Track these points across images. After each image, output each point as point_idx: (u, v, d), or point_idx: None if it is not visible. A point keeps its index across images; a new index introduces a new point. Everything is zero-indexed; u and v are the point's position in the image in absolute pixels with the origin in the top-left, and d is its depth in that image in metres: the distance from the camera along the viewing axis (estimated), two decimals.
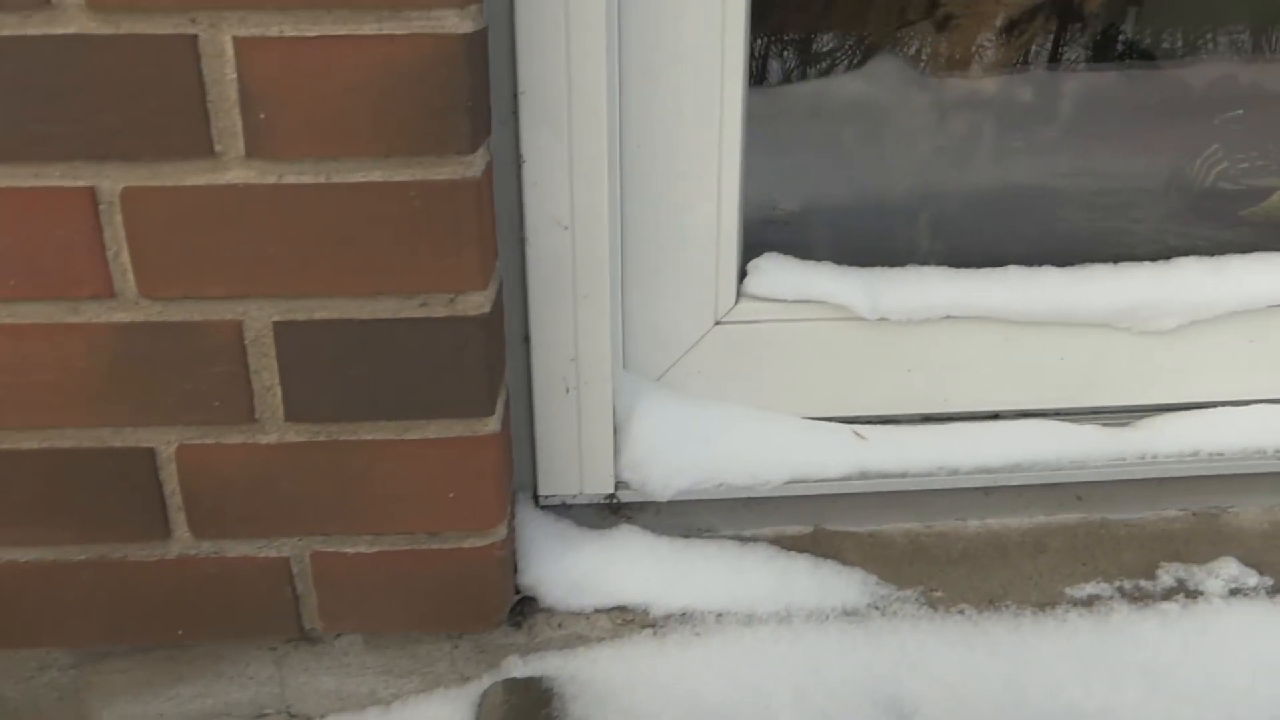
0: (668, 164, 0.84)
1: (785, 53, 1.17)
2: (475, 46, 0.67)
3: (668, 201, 0.85)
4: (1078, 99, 1.48)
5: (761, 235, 0.92)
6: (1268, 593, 0.88)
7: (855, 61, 1.19)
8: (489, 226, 0.72)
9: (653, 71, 0.80)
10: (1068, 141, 1.44)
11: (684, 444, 0.88)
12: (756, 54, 1.12)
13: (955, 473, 0.89)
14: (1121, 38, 1.63)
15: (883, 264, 0.92)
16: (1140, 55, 1.61)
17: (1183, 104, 1.85)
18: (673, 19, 0.78)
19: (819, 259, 0.92)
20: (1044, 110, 1.42)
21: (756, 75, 1.09)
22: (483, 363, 0.73)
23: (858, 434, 0.90)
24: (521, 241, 0.80)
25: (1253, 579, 0.89)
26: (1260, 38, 1.65)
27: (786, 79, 1.16)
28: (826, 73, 1.17)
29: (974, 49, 1.19)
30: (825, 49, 1.20)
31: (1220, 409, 0.94)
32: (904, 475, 0.89)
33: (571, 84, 0.75)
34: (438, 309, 0.71)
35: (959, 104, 1.28)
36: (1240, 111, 1.79)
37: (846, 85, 1.18)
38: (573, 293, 0.81)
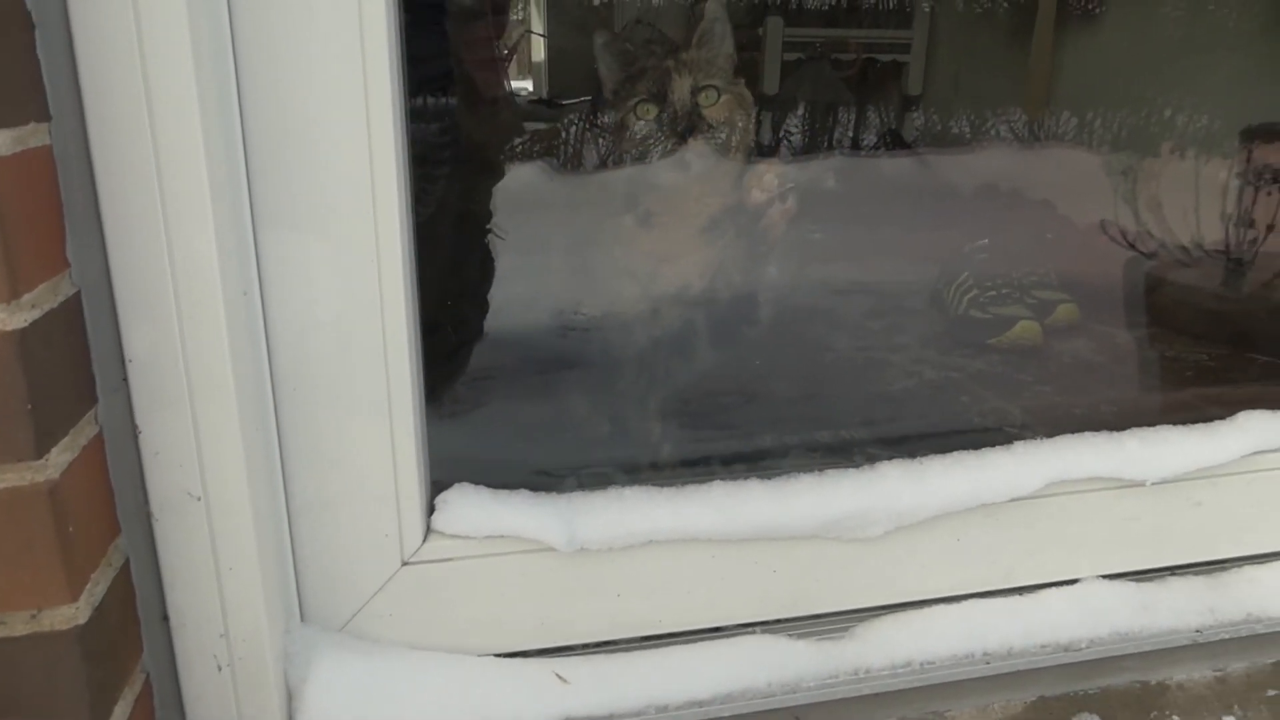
0: (331, 406, 0.76)
1: None
2: (37, 338, 0.58)
3: (336, 443, 0.78)
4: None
5: None
6: None
7: None
8: (81, 529, 0.63)
9: (308, 304, 0.73)
10: None
11: (369, 704, 0.80)
12: None
13: (665, 709, 0.84)
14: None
15: None
16: None
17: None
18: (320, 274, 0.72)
19: None
20: None
21: None
22: (81, 678, 0.63)
23: (560, 677, 0.83)
24: (148, 516, 0.70)
25: None
26: None
27: None
28: None
29: None
30: None
31: (933, 607, 0.93)
32: (610, 718, 0.83)
33: (186, 348, 0.67)
34: (17, 627, 0.61)
35: None
36: (986, 241, 1.89)
37: None
38: (214, 567, 0.72)
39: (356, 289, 0.73)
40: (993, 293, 1.78)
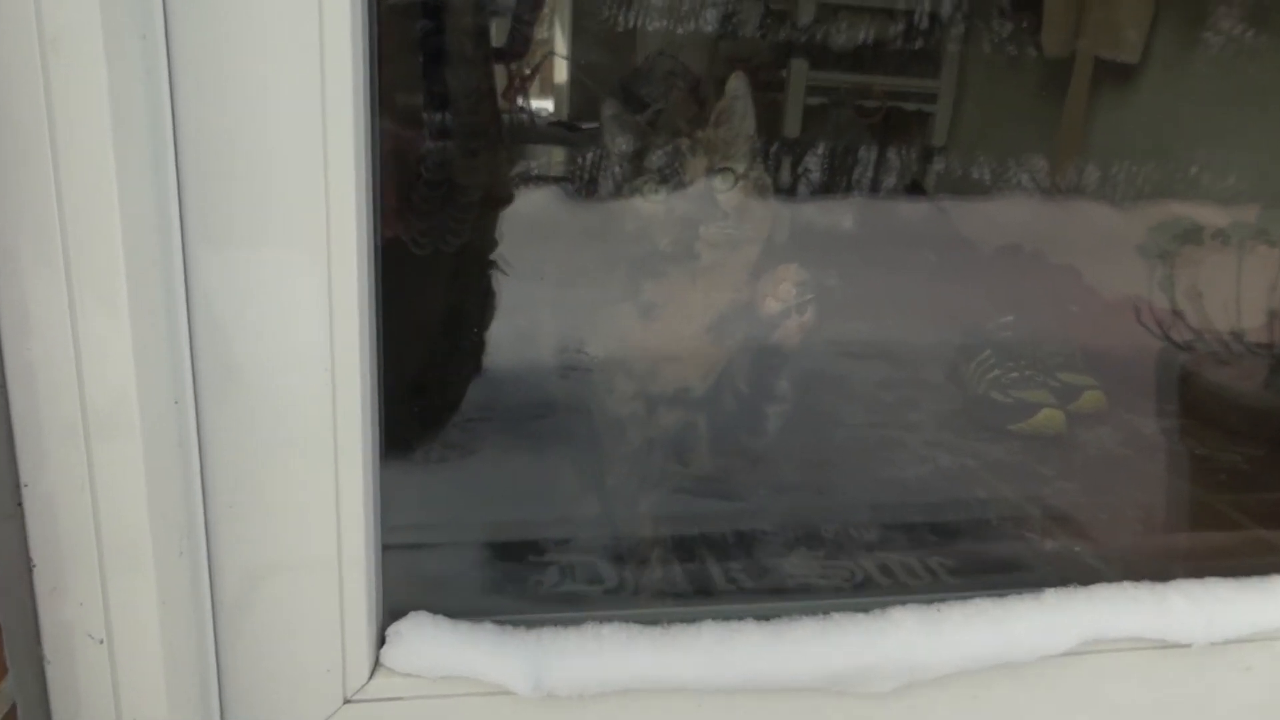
0: (269, 523, 0.66)
1: None
2: None
3: (274, 567, 0.68)
4: None
5: None
6: None
7: None
8: None
9: (247, 412, 0.63)
10: None
11: None
12: None
13: None
14: None
15: None
16: None
17: None
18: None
19: None
20: None
21: None
22: None
23: None
24: (40, 659, 0.60)
25: None
26: None
27: None
28: None
29: None
30: None
31: None
32: None
33: (94, 472, 0.57)
34: None
35: None
36: (1010, 318, 1.78)
37: None
38: (116, 717, 0.62)
39: (304, 398, 0.64)
40: (1015, 374, 1.67)
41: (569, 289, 0.99)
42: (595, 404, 0.90)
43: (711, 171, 0.83)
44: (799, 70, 2.58)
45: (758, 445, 0.90)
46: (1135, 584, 0.85)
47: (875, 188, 2.84)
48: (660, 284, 0.85)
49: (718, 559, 1.03)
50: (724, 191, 0.83)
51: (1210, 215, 1.87)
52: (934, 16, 2.64)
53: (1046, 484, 1.47)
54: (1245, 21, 1.88)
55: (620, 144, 0.85)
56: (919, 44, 2.69)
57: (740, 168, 0.84)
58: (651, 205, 0.82)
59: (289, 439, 0.63)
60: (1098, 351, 1.81)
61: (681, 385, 0.88)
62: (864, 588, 1.06)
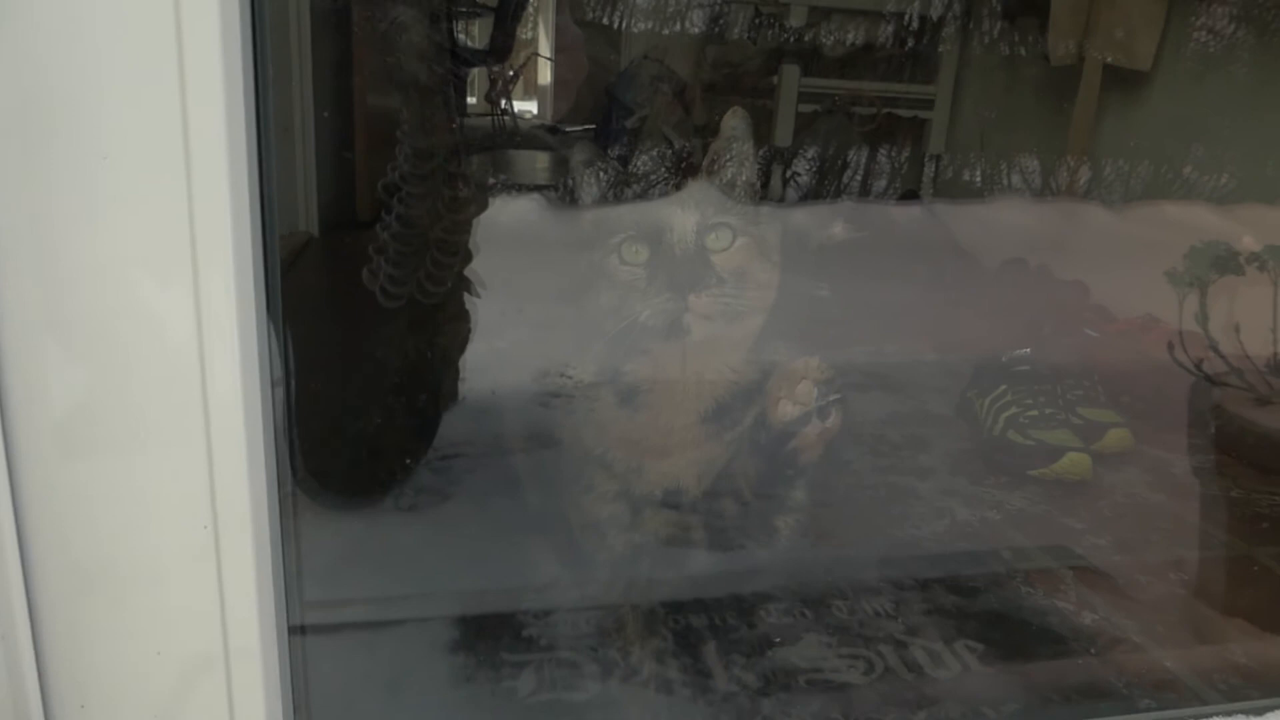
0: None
1: None
2: None
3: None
4: None
5: None
6: None
7: None
8: None
9: None
10: None
11: None
12: None
13: None
14: None
15: None
16: None
17: None
18: None
19: None
20: None
21: None
22: None
23: None
24: None
25: None
26: None
27: None
28: None
29: None
30: None
31: None
32: None
33: None
34: None
35: None
36: (1027, 351, 1.64)
37: None
38: None
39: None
40: (1034, 413, 1.54)
41: (532, 366, 0.85)
42: (571, 501, 0.76)
43: (704, 227, 0.69)
44: (790, 76, 2.44)
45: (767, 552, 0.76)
46: None
47: (867, 194, 2.72)
48: (644, 367, 0.70)
49: (721, 650, 0.90)
50: (719, 252, 0.69)
51: (1234, 228, 1.75)
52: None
53: (1077, 540, 1.34)
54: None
55: (594, 194, 0.70)
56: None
57: (738, 221, 0.69)
58: (632, 270, 0.68)
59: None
60: (1114, 377, 1.68)
61: (671, 486, 0.74)
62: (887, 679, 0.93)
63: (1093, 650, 0.95)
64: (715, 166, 0.70)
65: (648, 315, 0.68)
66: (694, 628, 0.82)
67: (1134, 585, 1.23)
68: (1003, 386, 1.57)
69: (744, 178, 0.70)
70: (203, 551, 0.50)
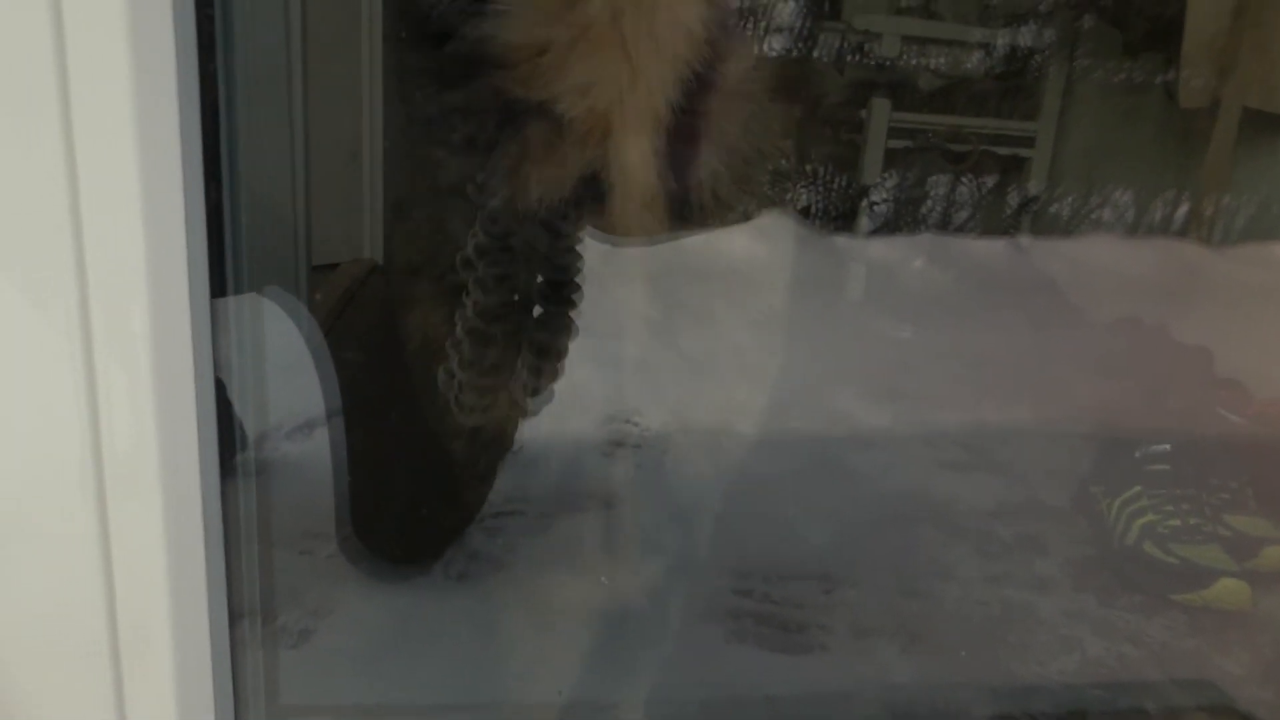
0: None
1: None
2: None
3: None
4: None
5: None
6: None
7: None
8: None
9: None
10: None
11: None
12: None
13: None
14: None
15: None
16: None
17: None
18: None
19: None
20: None
21: None
22: None
23: None
24: None
25: None
26: None
27: None
28: None
29: None
30: None
31: None
32: None
33: None
34: None
35: None
36: (1167, 447, 1.43)
37: None
38: None
39: None
40: (1176, 522, 1.32)
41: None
42: None
43: None
44: (880, 111, 2.26)
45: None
46: None
47: (957, 230, 2.52)
48: None
49: None
50: None
51: None
52: None
53: (1238, 689, 1.12)
54: None
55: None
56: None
57: None
58: None
59: None
60: (1261, 472, 1.46)
61: None
62: None
63: None
64: None
65: None
66: None
67: None
68: (1137, 488, 1.36)
69: None
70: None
